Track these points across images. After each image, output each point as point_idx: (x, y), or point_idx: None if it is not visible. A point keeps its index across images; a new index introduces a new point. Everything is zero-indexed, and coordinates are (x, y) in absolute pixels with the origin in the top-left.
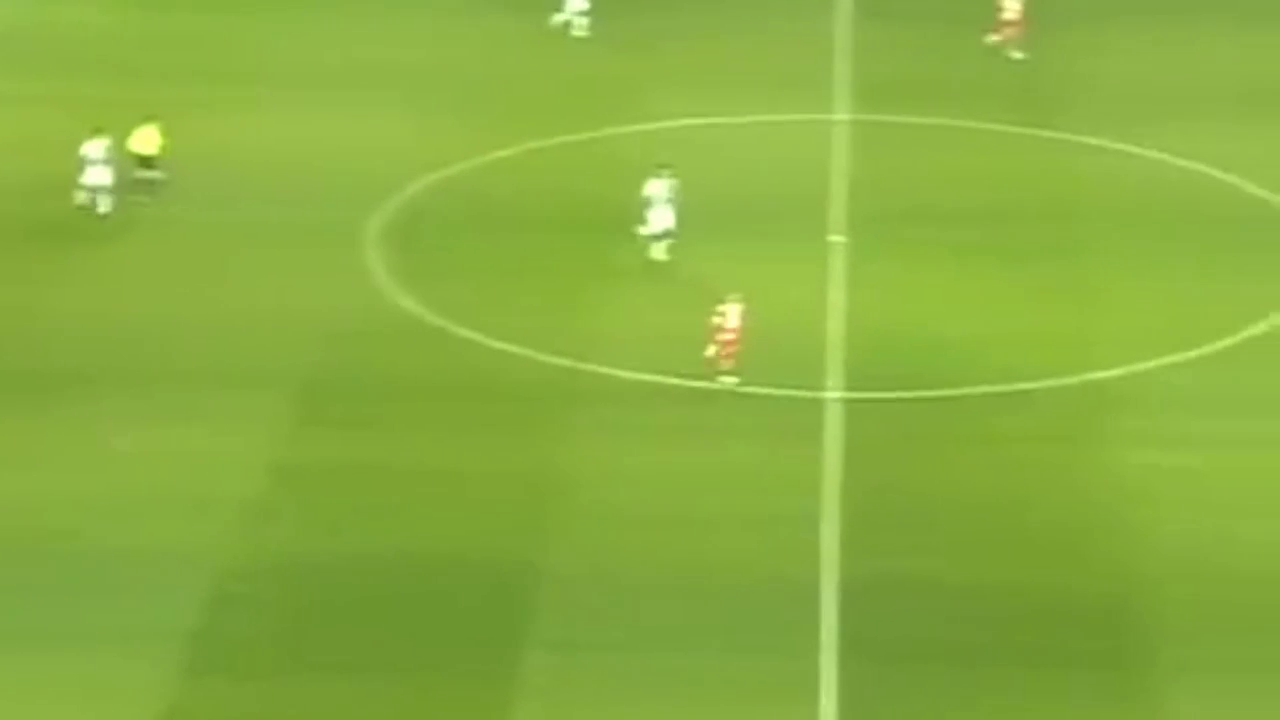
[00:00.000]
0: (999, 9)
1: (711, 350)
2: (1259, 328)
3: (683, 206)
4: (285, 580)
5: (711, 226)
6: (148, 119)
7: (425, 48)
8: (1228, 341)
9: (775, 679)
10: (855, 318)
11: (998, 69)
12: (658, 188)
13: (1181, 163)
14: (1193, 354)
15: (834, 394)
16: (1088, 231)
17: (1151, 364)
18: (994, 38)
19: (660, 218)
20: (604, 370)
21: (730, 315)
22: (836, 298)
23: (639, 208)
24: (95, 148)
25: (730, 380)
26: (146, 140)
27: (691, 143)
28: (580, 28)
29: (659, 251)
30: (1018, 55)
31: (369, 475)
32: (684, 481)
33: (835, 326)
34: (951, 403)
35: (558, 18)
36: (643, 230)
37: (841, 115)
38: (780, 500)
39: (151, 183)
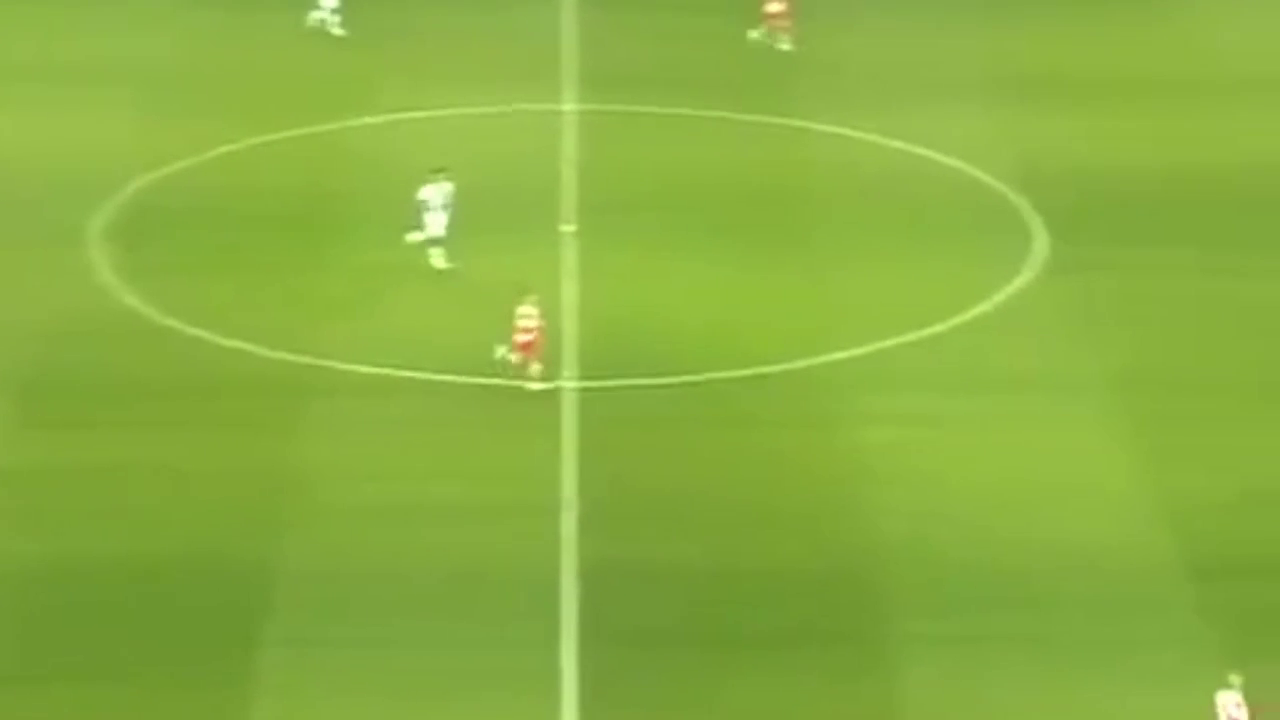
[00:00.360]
0: (763, 2)
1: (503, 351)
2: (985, 307)
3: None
4: (7, 587)
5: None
6: None
7: (155, 41)
8: (956, 321)
9: (516, 670)
10: (589, 306)
11: (727, 57)
12: (432, 192)
13: (910, 148)
14: (924, 334)
15: (571, 383)
16: (819, 216)
17: (884, 344)
18: (756, 33)
19: (435, 222)
20: (337, 365)
21: (531, 315)
22: (569, 287)
23: (402, 209)
24: None
25: (539, 382)
26: None
27: (420, 135)
28: (334, 25)
29: (438, 259)
30: (785, 47)
31: (95, 477)
32: (420, 474)
33: (569, 315)
34: (689, 389)
35: (313, 15)
36: (417, 236)
37: (571, 105)
38: (519, 490)
39: None
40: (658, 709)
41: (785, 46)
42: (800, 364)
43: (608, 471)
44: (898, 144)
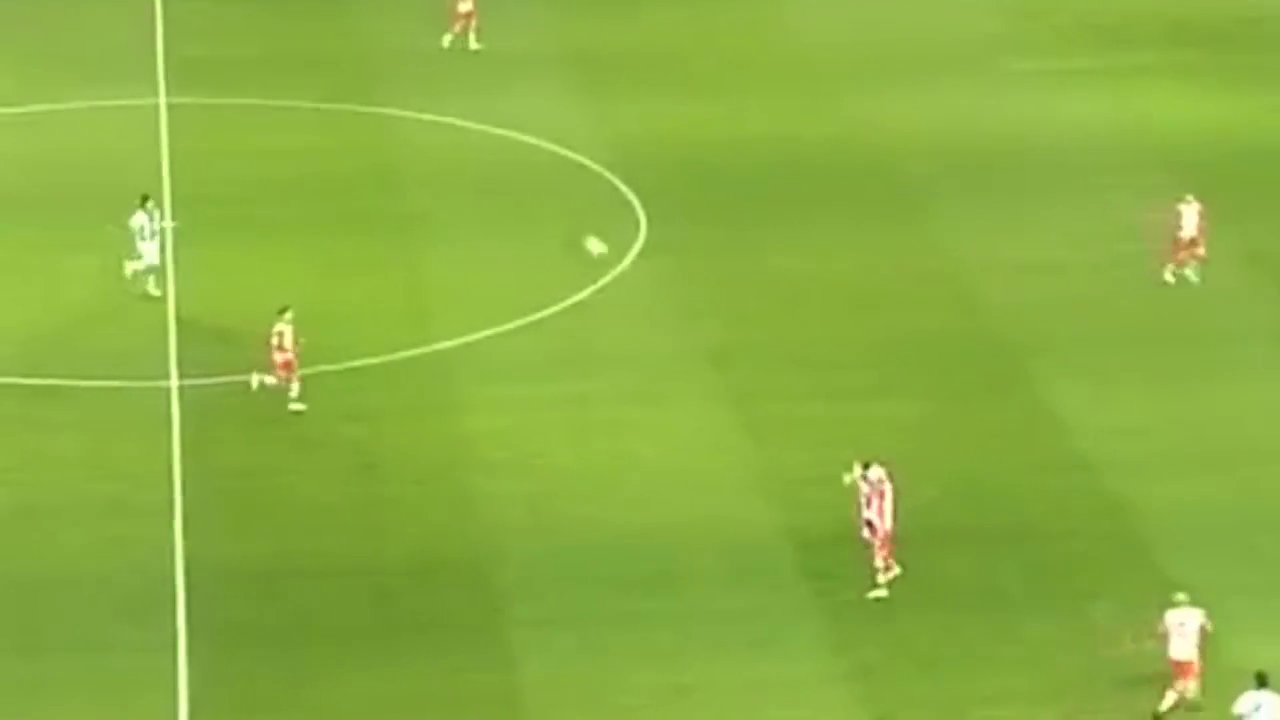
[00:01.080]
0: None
1: (258, 379)
2: (587, 291)
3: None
4: None
5: (20, 216)
6: None
7: None
8: (560, 306)
9: (134, 675)
10: (190, 303)
11: (309, 46)
12: (144, 220)
13: (505, 133)
14: (528, 320)
15: (174, 382)
16: (417, 204)
17: (489, 332)
18: (450, 35)
19: (149, 251)
20: None
21: (286, 335)
22: (170, 284)
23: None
24: None
25: (299, 402)
26: None
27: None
28: None
29: (151, 286)
30: (476, 47)
31: None
32: (25, 477)
33: (170, 313)
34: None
35: None
36: (136, 265)
37: (163, 98)
38: (127, 492)
39: None
40: (269, 708)
41: (476, 46)
42: (404, 354)
43: (211, 470)
44: (492, 129)
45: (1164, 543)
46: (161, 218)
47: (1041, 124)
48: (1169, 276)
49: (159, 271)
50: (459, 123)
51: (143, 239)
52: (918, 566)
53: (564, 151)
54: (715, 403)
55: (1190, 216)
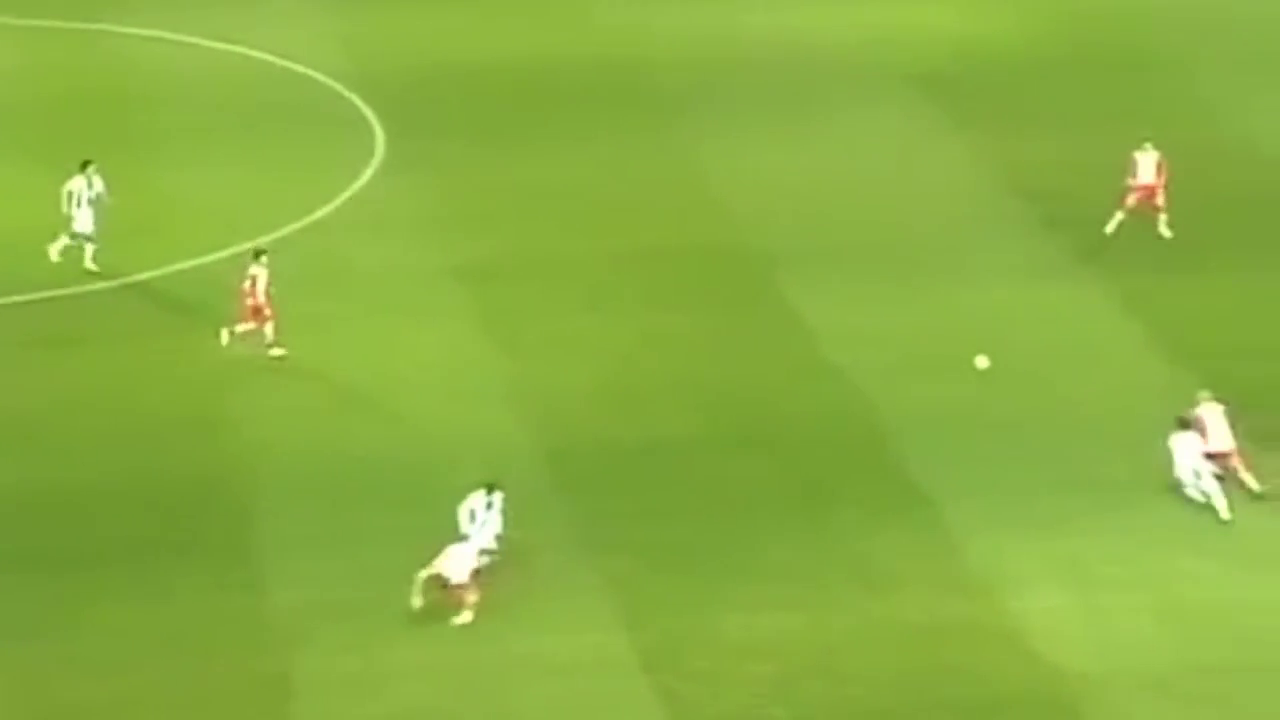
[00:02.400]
0: None
1: (227, 335)
2: (329, 208)
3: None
4: None
5: None
6: None
7: None
8: (302, 223)
9: None
10: None
11: None
12: (80, 184)
13: (238, 49)
14: (271, 238)
15: None
16: (148, 124)
17: (229, 251)
18: None
19: (83, 218)
20: None
21: (260, 279)
22: None
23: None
24: None
25: (278, 347)
26: None
27: None
28: None
29: (89, 261)
30: None
31: None
32: None
33: None
34: (24, 309)
35: None
36: (66, 239)
37: None
38: None
39: None
40: (22, 636)
41: None
42: (142, 276)
43: None
44: (222, 45)
45: (908, 447)
46: (102, 188)
47: (788, 36)
48: (1111, 227)
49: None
50: (187, 39)
51: (78, 205)
52: (671, 474)
53: (298, 67)
54: (464, 318)
55: (1147, 164)
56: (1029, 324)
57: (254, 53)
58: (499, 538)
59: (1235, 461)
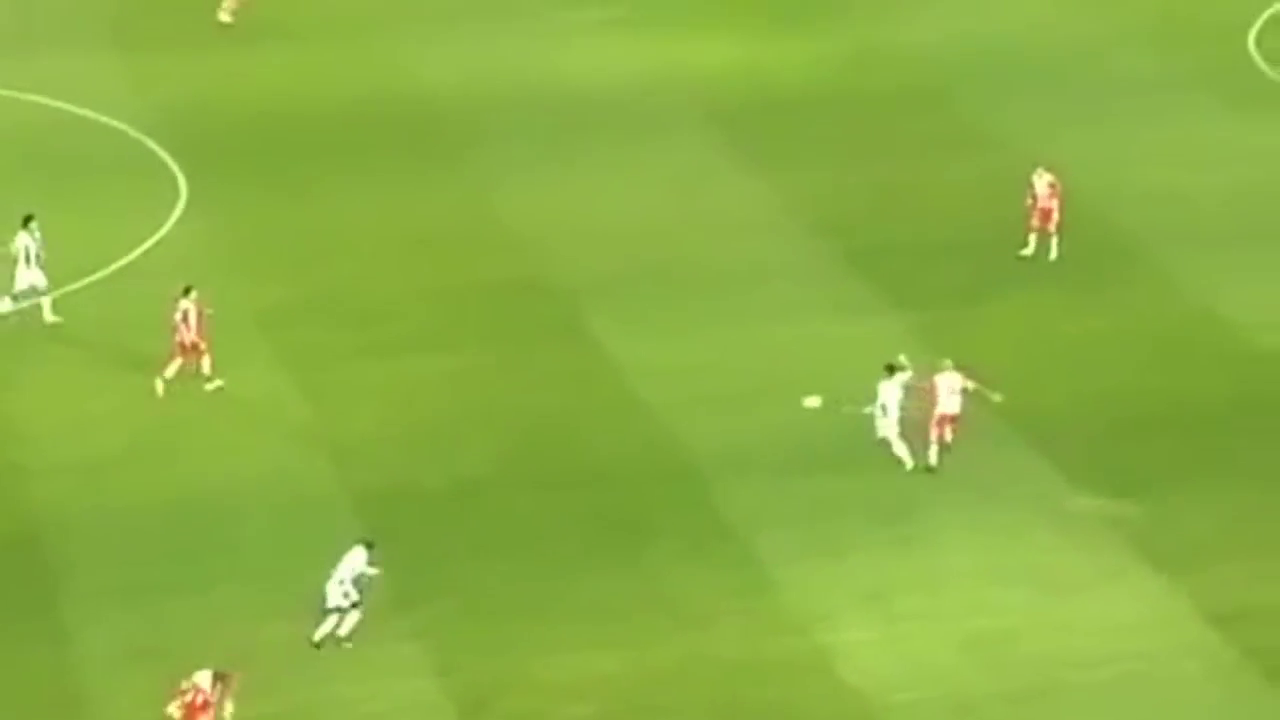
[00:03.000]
0: None
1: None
2: (133, 254)
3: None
4: None
5: None
6: None
7: None
8: (101, 273)
9: None
10: None
11: None
12: (25, 239)
13: (32, 98)
14: (68, 288)
15: None
16: None
17: (28, 302)
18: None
19: (24, 278)
20: None
21: (190, 313)
22: None
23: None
24: None
25: (216, 380)
26: None
27: None
28: None
29: (48, 313)
30: (226, 19)
31: None
32: None
33: None
34: None
35: None
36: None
37: None
38: None
39: None
40: None
41: (226, 18)
42: None
43: None
44: (19, 95)
45: (717, 482)
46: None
47: (585, 71)
48: (1027, 250)
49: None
50: None
51: (28, 263)
52: (481, 516)
53: (94, 115)
54: (265, 364)
55: (1041, 186)
56: (831, 357)
57: (51, 101)
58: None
59: (951, 427)
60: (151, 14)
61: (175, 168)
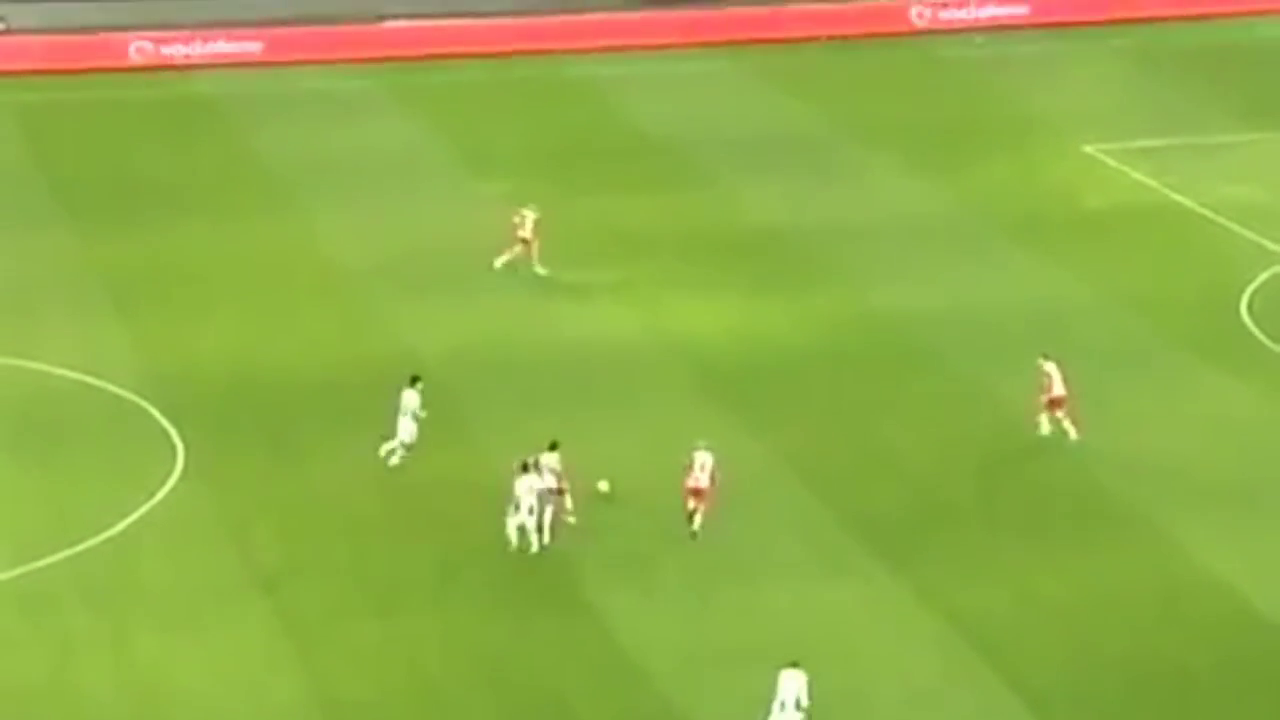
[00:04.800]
0: None
1: None
2: (131, 519)
3: None
4: None
5: None
6: None
7: None
8: (103, 537)
9: None
10: None
11: None
12: None
13: (26, 363)
14: (71, 552)
15: None
16: None
17: (21, 569)
18: None
19: None
20: None
21: None
22: None
23: None
24: None
25: None
26: None
27: None
28: None
29: None
30: None
31: None
32: None
33: None
34: None
35: None
36: None
37: None
38: None
39: None
40: None
41: None
42: None
43: None
44: (16, 361)
45: None
46: None
47: (570, 332)
48: (1044, 429)
49: None
50: None
51: None
52: None
53: (93, 380)
54: (262, 628)
55: (1055, 373)
56: (826, 621)
57: (51, 368)
58: None
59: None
60: (145, 275)
61: (173, 432)
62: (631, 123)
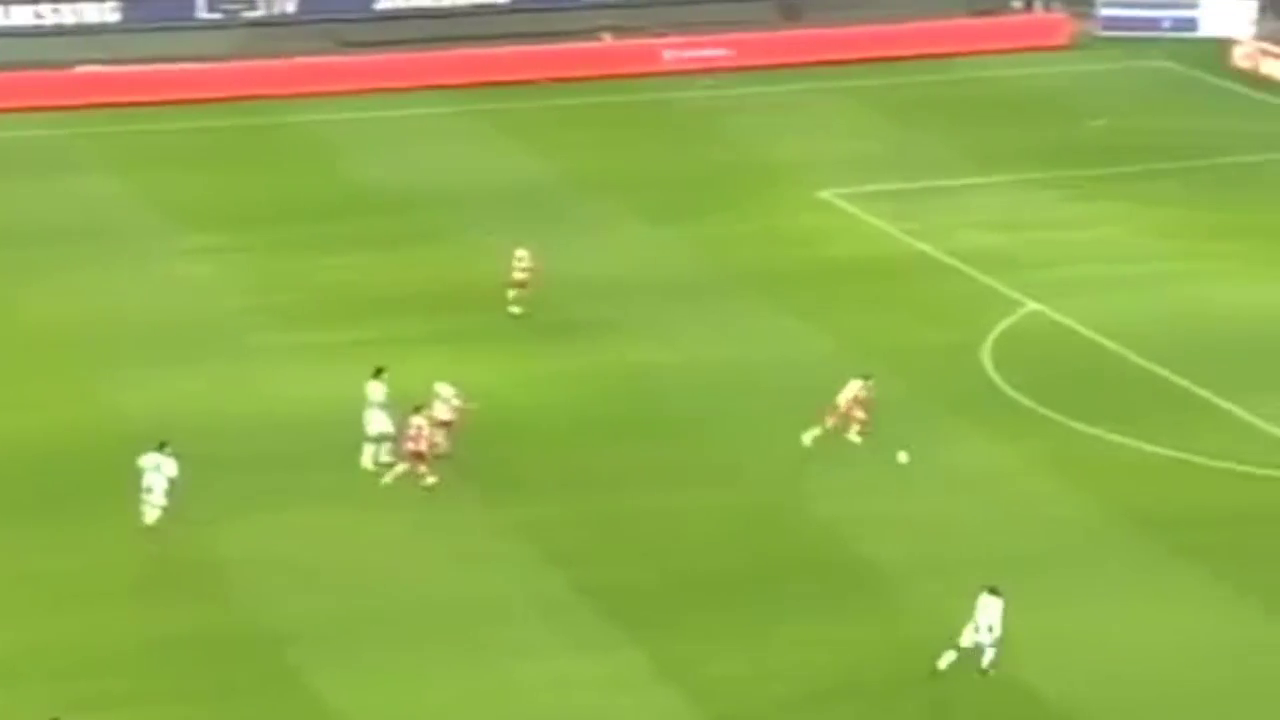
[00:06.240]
0: None
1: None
2: None
3: None
4: None
5: None
6: None
7: None
8: None
9: None
10: None
11: None
12: None
13: None
14: None
15: None
16: None
17: None
18: None
19: None
20: None
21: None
22: None
23: None
24: None
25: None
26: None
27: None
28: None
29: None
30: None
31: None
32: None
33: None
34: None
35: None
36: None
37: None
38: None
39: None
40: None
41: None
42: None
43: None
44: None
45: None
46: None
47: (297, 398)
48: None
49: None
50: None
51: None
52: None
53: None
54: None
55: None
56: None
57: None
58: None
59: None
60: None
61: None
62: (349, 175)
